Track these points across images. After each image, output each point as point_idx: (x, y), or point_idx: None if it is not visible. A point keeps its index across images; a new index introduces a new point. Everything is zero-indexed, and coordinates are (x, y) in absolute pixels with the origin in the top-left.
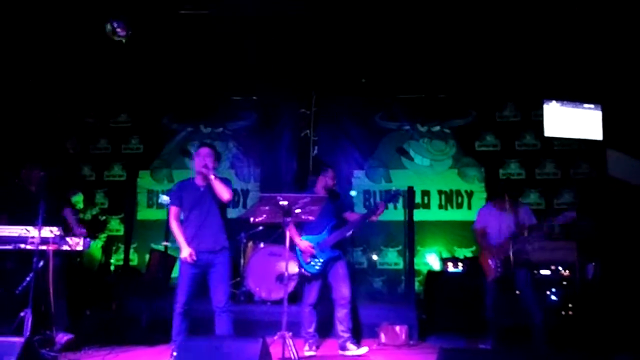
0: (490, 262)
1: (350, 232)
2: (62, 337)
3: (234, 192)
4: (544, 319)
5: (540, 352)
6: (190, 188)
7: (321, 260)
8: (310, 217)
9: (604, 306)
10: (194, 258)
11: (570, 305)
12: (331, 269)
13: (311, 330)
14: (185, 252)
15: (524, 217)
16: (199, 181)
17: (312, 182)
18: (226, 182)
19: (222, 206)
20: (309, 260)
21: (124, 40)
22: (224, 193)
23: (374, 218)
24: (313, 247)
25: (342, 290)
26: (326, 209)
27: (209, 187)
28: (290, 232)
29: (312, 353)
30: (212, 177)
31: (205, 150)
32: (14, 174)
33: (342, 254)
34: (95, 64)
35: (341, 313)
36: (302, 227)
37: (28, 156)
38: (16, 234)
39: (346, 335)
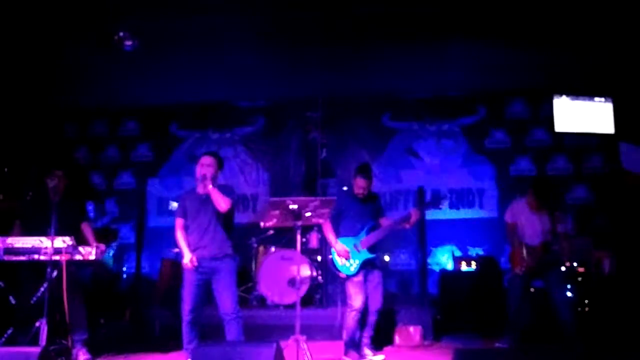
0: (522, 254)
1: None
2: (81, 356)
3: (244, 197)
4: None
5: (577, 349)
6: (192, 197)
7: (357, 261)
8: (321, 220)
9: (621, 302)
10: (195, 264)
11: (586, 301)
12: (369, 276)
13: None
14: (187, 258)
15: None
16: (199, 189)
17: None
18: (227, 190)
19: (225, 213)
20: (343, 262)
21: (131, 49)
22: (221, 203)
23: (406, 226)
24: (349, 251)
25: (377, 301)
26: (365, 211)
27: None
28: (326, 233)
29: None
30: (209, 187)
31: (206, 160)
32: (30, 187)
33: (379, 260)
34: (102, 72)
35: (371, 320)
36: (340, 228)
37: (40, 168)
38: (30, 245)
39: (366, 340)
